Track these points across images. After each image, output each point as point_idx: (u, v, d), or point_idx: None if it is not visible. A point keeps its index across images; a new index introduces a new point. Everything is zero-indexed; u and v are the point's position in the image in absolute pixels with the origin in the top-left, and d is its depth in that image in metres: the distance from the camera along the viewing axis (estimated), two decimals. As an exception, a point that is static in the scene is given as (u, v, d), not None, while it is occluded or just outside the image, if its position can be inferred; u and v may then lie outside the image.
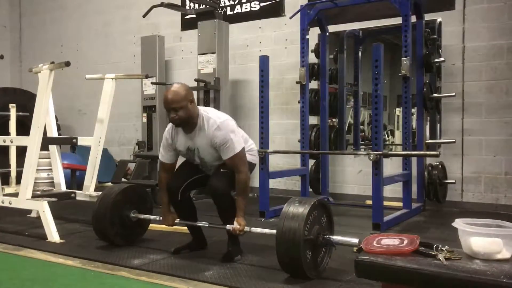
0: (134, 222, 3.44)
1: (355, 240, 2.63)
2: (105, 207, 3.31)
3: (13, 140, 4.27)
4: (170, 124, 3.09)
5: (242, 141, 2.99)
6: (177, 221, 3.22)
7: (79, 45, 8.08)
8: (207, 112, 3.00)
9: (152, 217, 3.45)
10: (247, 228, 2.93)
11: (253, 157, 3.22)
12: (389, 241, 2.09)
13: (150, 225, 4.05)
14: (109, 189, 3.46)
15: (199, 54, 5.99)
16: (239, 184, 2.94)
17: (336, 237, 2.71)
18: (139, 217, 3.43)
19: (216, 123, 2.91)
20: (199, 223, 3.18)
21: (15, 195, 3.99)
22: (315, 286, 2.56)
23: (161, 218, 3.28)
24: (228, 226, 2.97)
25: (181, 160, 3.27)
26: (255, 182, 4.94)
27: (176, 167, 3.24)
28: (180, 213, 3.23)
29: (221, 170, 3.00)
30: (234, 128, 2.97)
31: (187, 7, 6.75)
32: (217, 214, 3.10)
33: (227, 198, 2.99)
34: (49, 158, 4.52)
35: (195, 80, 5.85)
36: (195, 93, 5.82)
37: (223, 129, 2.90)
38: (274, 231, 2.68)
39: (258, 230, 2.98)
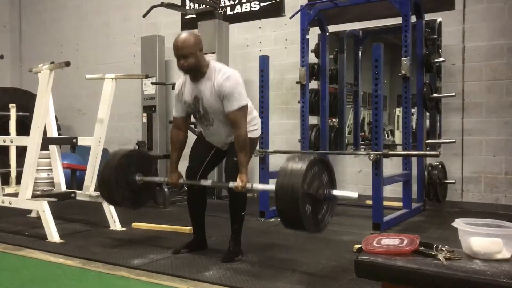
0: (140, 185, 3.40)
1: (354, 194, 2.63)
2: (110, 171, 3.28)
3: (13, 140, 4.27)
4: (182, 76, 3.13)
5: (247, 97, 3.00)
6: (181, 180, 3.23)
7: (79, 45, 8.08)
8: (217, 64, 3.03)
9: (157, 178, 3.47)
10: (248, 185, 2.94)
11: (256, 131, 3.22)
12: (389, 241, 2.09)
13: (150, 225, 4.06)
14: (112, 155, 3.42)
15: (199, 54, 5.98)
16: (238, 140, 2.94)
17: (335, 192, 2.69)
18: (144, 179, 3.39)
19: (226, 74, 2.92)
20: (202, 182, 3.14)
21: (15, 195, 3.99)
22: (315, 286, 2.56)
23: (166, 178, 3.29)
24: (231, 184, 2.97)
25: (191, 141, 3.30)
26: (255, 182, 4.94)
27: (191, 150, 3.27)
28: (192, 200, 3.26)
29: (235, 159, 3.02)
30: (242, 82, 2.98)
31: (187, 7, 6.75)
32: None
33: (240, 194, 3.04)
34: (49, 158, 4.52)
35: (195, 80, 5.84)
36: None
37: (232, 80, 2.91)
38: (274, 187, 2.65)
39: (260, 186, 3.06)
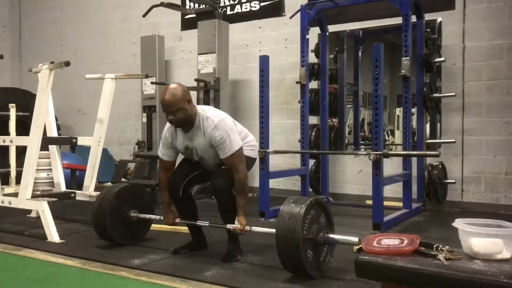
0: (136, 221, 3.45)
1: (354, 239, 2.64)
2: (104, 214, 3.31)
3: (13, 140, 4.27)
4: (168, 123, 3.10)
5: (239, 139, 2.99)
6: (177, 220, 3.22)
7: (79, 45, 8.07)
8: (205, 111, 2.99)
9: (152, 216, 3.47)
10: (247, 228, 2.94)
11: (253, 151, 3.23)
12: (389, 241, 2.09)
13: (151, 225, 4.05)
14: (103, 195, 3.41)
15: (199, 54, 5.98)
16: (237, 183, 2.94)
17: (335, 236, 2.71)
18: (139, 216, 3.44)
19: (214, 123, 2.91)
20: (199, 223, 3.18)
21: (15, 195, 3.99)
22: (315, 286, 2.56)
23: (162, 217, 3.28)
24: (229, 226, 2.98)
25: (180, 157, 3.28)
26: (255, 182, 4.94)
27: (176, 164, 3.24)
28: (181, 210, 3.24)
29: (222, 167, 3.01)
30: (232, 126, 2.97)
31: (187, 6, 6.75)
32: (217, 214, 3.10)
33: (228, 196, 2.99)
34: (49, 158, 4.52)
35: (195, 80, 5.85)
36: (195, 93, 5.82)
37: (221, 128, 2.90)
38: (274, 230, 2.68)
39: (259, 229, 3.00)
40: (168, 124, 3.11)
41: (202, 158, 3.09)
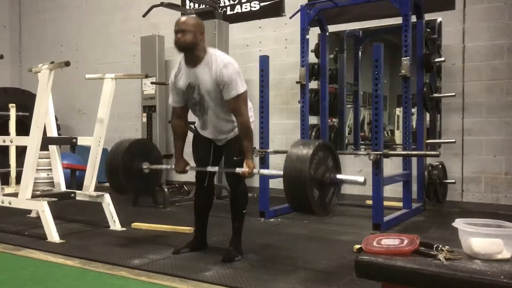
0: (147, 173, 3.45)
1: (360, 179, 2.66)
2: (117, 169, 3.30)
3: (13, 140, 4.27)
4: (177, 65, 3.11)
5: (245, 84, 3.02)
6: (188, 167, 3.25)
7: (79, 45, 8.07)
8: (215, 52, 3.03)
9: (164, 166, 3.56)
10: (255, 170, 2.98)
11: (252, 123, 3.22)
12: (389, 241, 2.09)
13: (150, 225, 4.06)
14: (113, 152, 3.40)
15: (199, 54, 5.98)
16: (242, 127, 2.97)
17: (341, 176, 2.73)
18: (151, 168, 3.44)
19: (223, 62, 2.93)
20: (209, 168, 3.18)
21: (15, 195, 3.99)
22: (316, 286, 2.56)
23: (173, 166, 3.31)
24: (238, 169, 3.00)
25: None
26: (255, 182, 4.94)
27: (193, 153, 3.28)
28: (200, 198, 3.31)
29: (234, 158, 3.05)
30: (239, 71, 2.99)
31: (187, 7, 6.75)
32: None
33: (242, 191, 3.14)
34: (49, 158, 4.52)
35: (195, 80, 5.84)
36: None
37: (230, 68, 2.92)
38: (282, 172, 2.68)
39: (266, 171, 3.12)
40: (175, 67, 3.12)
41: (203, 99, 3.03)
